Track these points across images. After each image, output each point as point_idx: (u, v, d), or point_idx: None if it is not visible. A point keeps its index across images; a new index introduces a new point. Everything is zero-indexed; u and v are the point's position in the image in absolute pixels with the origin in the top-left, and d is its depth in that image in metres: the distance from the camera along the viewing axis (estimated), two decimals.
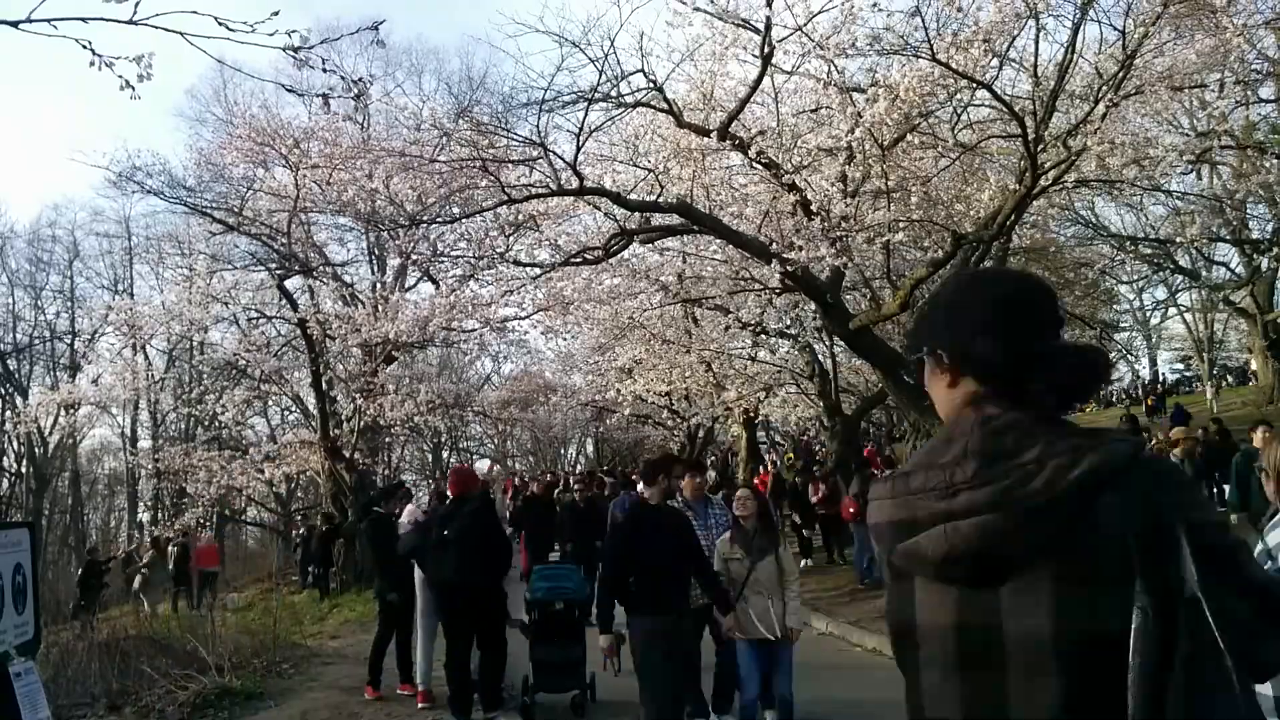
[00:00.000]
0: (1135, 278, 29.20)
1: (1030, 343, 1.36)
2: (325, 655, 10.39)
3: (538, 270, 13.19)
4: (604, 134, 12.19)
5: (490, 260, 12.78)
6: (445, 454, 40.11)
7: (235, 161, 17.16)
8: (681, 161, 11.37)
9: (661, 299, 15.49)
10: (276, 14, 3.42)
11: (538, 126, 10.69)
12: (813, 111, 11.60)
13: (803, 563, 13.82)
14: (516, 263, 13.08)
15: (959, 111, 11.28)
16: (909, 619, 1.37)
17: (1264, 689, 2.28)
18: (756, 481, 17.86)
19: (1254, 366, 30.04)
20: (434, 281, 18.25)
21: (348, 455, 17.03)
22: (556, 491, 17.65)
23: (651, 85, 10.41)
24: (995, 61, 10.01)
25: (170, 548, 19.40)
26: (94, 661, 8.92)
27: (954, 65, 9.09)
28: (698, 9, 10.03)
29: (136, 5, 3.44)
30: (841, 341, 13.69)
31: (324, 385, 16.98)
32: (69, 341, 37.38)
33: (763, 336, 16.20)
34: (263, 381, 19.06)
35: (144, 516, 33.22)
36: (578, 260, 12.35)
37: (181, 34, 3.39)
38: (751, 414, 21.34)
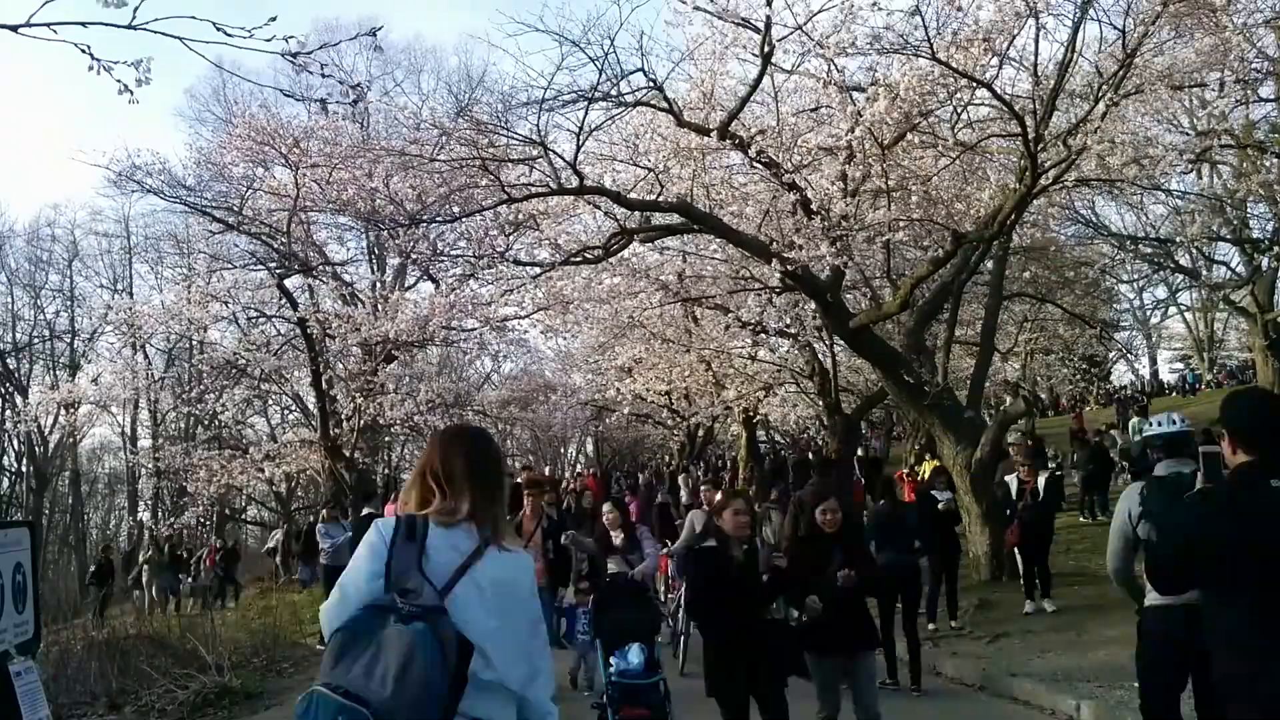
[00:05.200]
0: (1135, 277, 29.16)
1: None
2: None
3: (538, 269, 13.19)
4: (604, 133, 12.17)
5: (490, 259, 12.77)
6: None
7: (235, 161, 17.10)
8: (681, 161, 11.37)
9: (661, 298, 15.48)
10: (274, 19, 3.42)
11: (538, 126, 10.70)
12: (813, 110, 11.58)
13: None
14: (516, 262, 13.08)
15: (959, 111, 11.25)
16: None
17: None
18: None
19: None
20: (434, 281, 18.26)
21: (348, 454, 17.02)
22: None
23: (651, 84, 10.40)
24: (995, 60, 9.98)
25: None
26: (94, 660, 8.95)
27: (954, 64, 9.08)
28: (698, 8, 10.01)
29: (135, 10, 3.44)
30: (841, 340, 13.69)
31: (324, 384, 16.96)
32: (69, 341, 37.40)
33: (763, 335, 16.19)
34: (263, 381, 19.06)
35: (144, 515, 33.21)
36: (578, 259, 12.35)
37: (180, 39, 3.39)
38: (751, 413, 21.36)
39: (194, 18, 3.34)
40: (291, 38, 3.56)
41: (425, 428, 22.54)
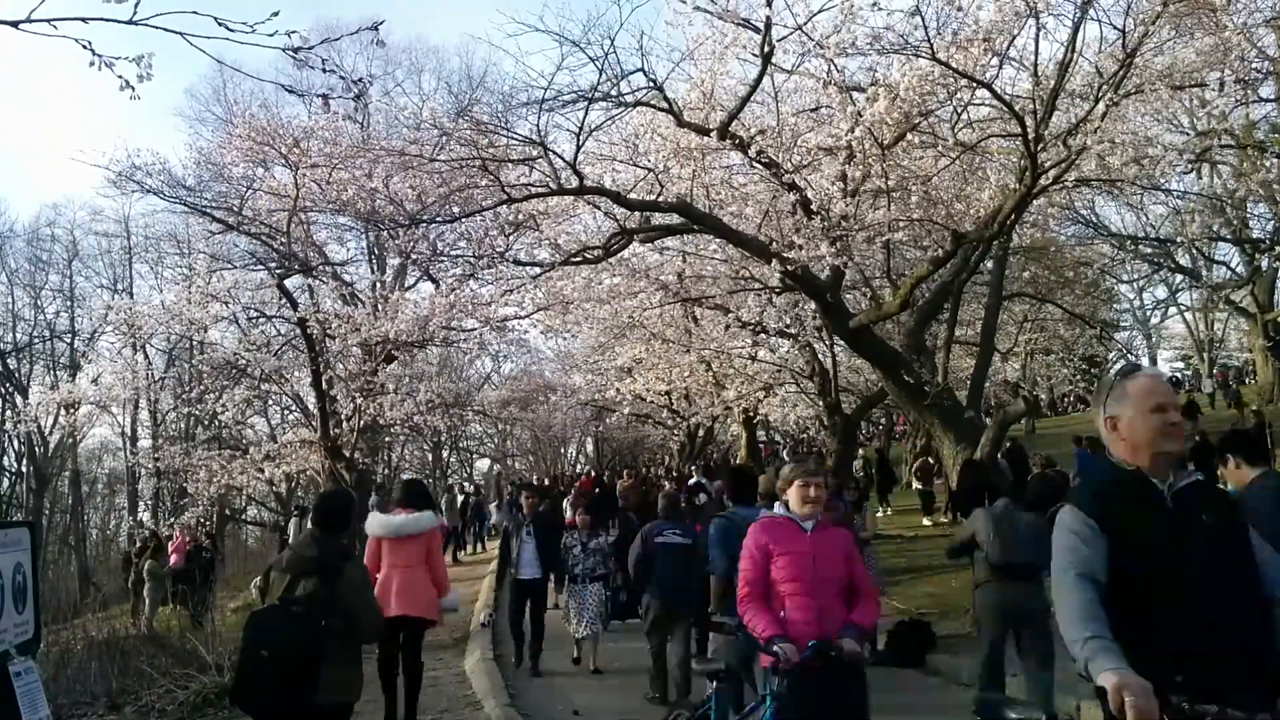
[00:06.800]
0: (1135, 277, 29.23)
1: None
2: None
3: (538, 270, 13.19)
4: (604, 133, 12.18)
5: (490, 259, 12.77)
6: (445, 453, 40.14)
7: (235, 161, 17.09)
8: (681, 161, 11.36)
9: (661, 298, 15.48)
10: (277, 14, 3.42)
11: (538, 126, 10.69)
12: (813, 111, 11.59)
13: None
14: (516, 262, 13.07)
15: (959, 111, 11.25)
16: None
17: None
18: None
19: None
20: (434, 281, 18.25)
21: (348, 455, 17.02)
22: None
23: (651, 84, 10.40)
24: (995, 60, 9.99)
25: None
26: (94, 661, 8.94)
27: (954, 64, 9.08)
28: (698, 8, 10.02)
29: (136, 5, 3.44)
30: (841, 341, 13.69)
31: (324, 384, 16.95)
32: (69, 341, 37.42)
33: (763, 335, 16.20)
34: (263, 381, 19.02)
35: (144, 516, 33.21)
36: (578, 260, 12.35)
37: (181, 34, 3.39)
38: (751, 413, 21.36)
39: (195, 13, 3.34)
40: (294, 32, 3.56)
41: (425, 428, 22.59)
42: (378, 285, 19.04)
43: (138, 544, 17.53)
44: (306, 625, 4.06)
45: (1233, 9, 9.68)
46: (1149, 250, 22.82)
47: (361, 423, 16.96)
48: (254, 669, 4.04)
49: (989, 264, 13.55)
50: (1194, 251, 24.98)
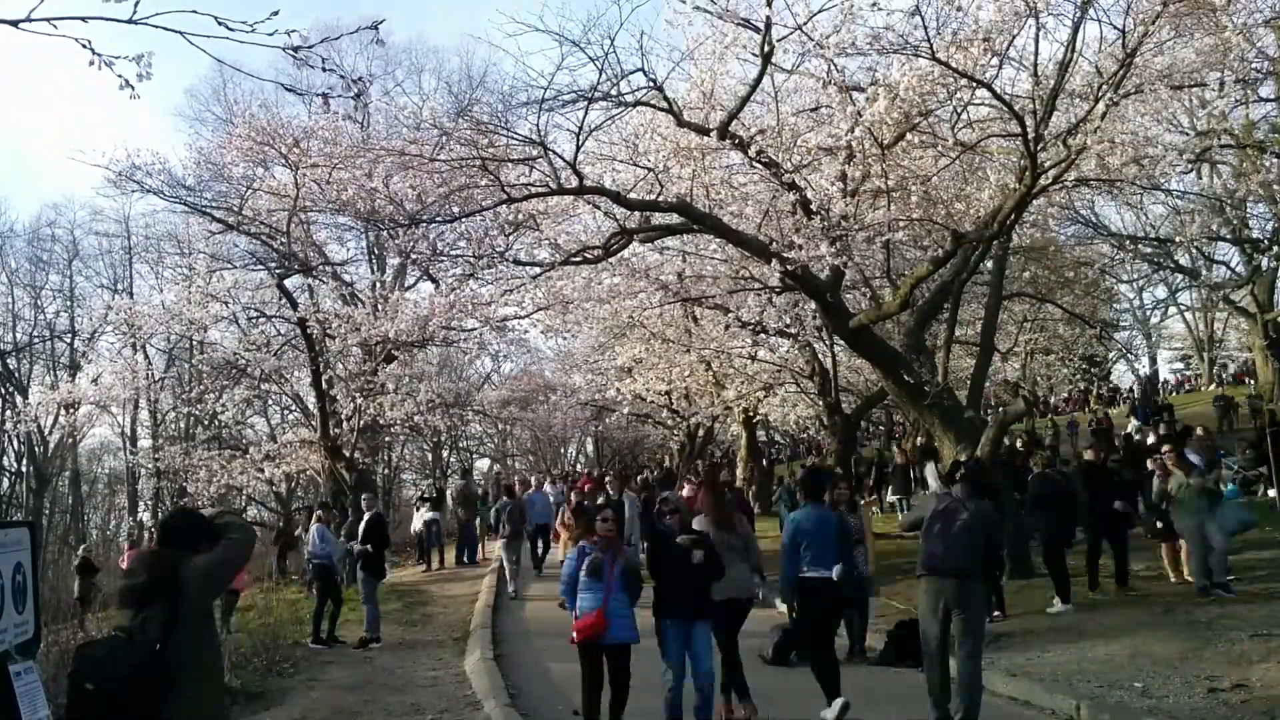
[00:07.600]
0: (1135, 277, 29.17)
1: None
2: (325, 655, 10.41)
3: (537, 269, 13.20)
4: (604, 133, 12.19)
5: (490, 259, 12.78)
6: (445, 453, 40.13)
7: (235, 161, 17.11)
8: (681, 161, 11.37)
9: (661, 298, 15.48)
10: (276, 13, 3.42)
11: (538, 126, 10.70)
12: (813, 110, 11.59)
13: None
14: (516, 262, 13.08)
15: (959, 111, 11.24)
16: None
17: None
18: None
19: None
20: (434, 281, 18.27)
21: (348, 454, 17.04)
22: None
23: (651, 84, 10.41)
24: (995, 60, 9.98)
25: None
26: None
27: (954, 64, 9.08)
28: (698, 8, 10.03)
29: (136, 4, 3.44)
30: (841, 340, 13.69)
31: (324, 384, 16.97)
32: (69, 341, 37.41)
33: (763, 335, 16.20)
34: (263, 381, 19.06)
35: (144, 516, 33.20)
36: (578, 259, 12.35)
37: (181, 33, 3.39)
38: (751, 413, 21.37)
39: (195, 12, 3.35)
40: (293, 31, 3.56)
41: (425, 428, 22.58)
42: (378, 285, 19.06)
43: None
44: (135, 654, 3.37)
45: (1233, 9, 9.67)
46: (1149, 250, 22.77)
47: (361, 423, 16.99)
48: (79, 711, 3.36)
49: (989, 264, 13.54)
50: (1194, 251, 24.95)
